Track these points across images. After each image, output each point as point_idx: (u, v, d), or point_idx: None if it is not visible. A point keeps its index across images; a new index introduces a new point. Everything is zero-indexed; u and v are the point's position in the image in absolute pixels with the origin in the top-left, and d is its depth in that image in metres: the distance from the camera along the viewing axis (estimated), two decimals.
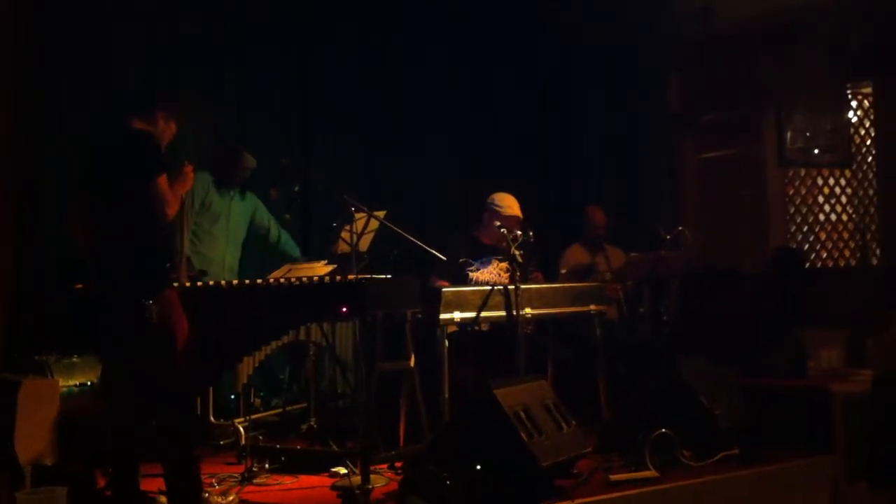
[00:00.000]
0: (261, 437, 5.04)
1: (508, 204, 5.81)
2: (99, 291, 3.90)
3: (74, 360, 4.94)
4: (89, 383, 4.88)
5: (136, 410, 3.85)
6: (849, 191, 7.53)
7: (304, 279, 4.48)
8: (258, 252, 6.13)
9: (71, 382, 4.81)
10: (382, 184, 6.89)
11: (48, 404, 4.53)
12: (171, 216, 3.95)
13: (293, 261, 5.79)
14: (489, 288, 5.11)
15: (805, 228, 7.46)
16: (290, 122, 6.79)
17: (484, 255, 5.67)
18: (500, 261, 5.64)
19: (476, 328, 5.41)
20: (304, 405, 5.55)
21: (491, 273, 5.61)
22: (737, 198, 7.44)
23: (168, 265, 3.96)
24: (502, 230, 5.34)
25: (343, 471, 4.55)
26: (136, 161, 3.88)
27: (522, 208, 5.85)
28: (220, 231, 5.81)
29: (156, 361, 3.79)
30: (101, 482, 4.08)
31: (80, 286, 4.72)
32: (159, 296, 3.78)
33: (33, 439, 4.38)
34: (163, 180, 3.84)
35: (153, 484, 4.05)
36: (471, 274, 5.57)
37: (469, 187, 6.86)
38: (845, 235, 7.52)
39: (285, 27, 6.77)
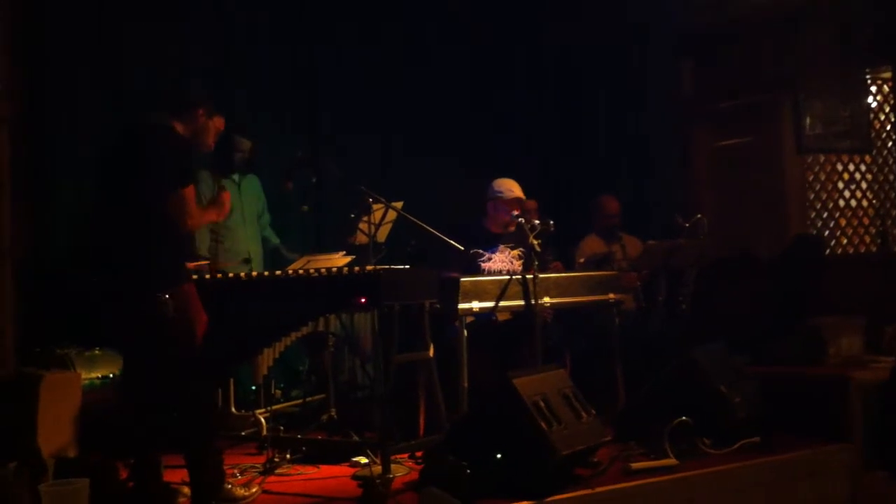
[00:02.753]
0: (281, 428, 5.07)
1: (509, 188, 5.78)
2: (115, 285, 3.87)
3: (96, 352, 4.97)
4: (111, 375, 4.91)
5: (154, 402, 3.87)
6: (869, 176, 7.48)
7: (323, 270, 4.50)
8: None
9: (93, 375, 4.85)
10: (389, 183, 6.87)
11: (70, 397, 4.57)
12: (191, 228, 3.96)
13: (274, 248, 5.88)
14: (507, 277, 5.11)
15: (825, 215, 7.41)
16: (299, 119, 6.80)
17: (492, 244, 5.66)
18: (512, 248, 5.64)
19: (493, 318, 5.40)
20: (323, 396, 5.58)
21: (503, 261, 5.60)
22: (754, 185, 7.39)
23: (184, 259, 3.97)
24: (520, 219, 5.33)
25: (363, 460, 4.58)
26: (155, 166, 3.81)
27: (536, 198, 5.81)
28: (236, 224, 5.83)
29: (173, 354, 3.80)
30: (124, 474, 4.11)
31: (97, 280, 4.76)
32: (176, 290, 3.79)
33: (55, 432, 4.42)
34: (189, 192, 3.80)
35: (176, 475, 4.09)
36: (483, 265, 5.56)
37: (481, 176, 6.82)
38: (865, 221, 7.47)
39: (292, 23, 6.78)
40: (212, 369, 4.00)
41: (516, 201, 5.74)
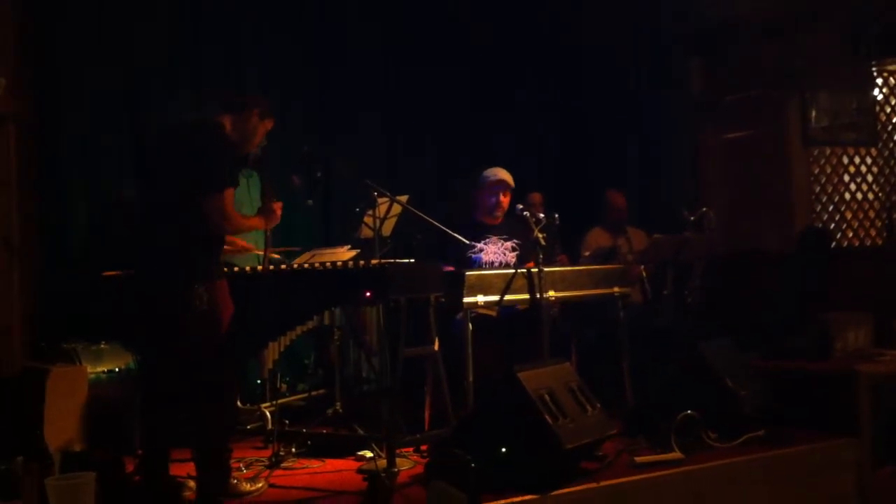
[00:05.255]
0: (287, 422, 5.07)
1: (493, 172, 5.74)
2: (148, 276, 3.84)
3: (102, 346, 4.96)
4: (117, 370, 4.91)
5: (174, 396, 3.84)
6: (875, 169, 7.47)
7: (328, 264, 4.49)
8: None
9: (99, 369, 4.84)
10: (389, 183, 6.87)
11: (76, 391, 4.57)
12: (227, 233, 3.95)
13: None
14: (512, 271, 5.11)
15: (830, 208, 7.40)
16: (301, 118, 6.79)
17: (482, 234, 5.62)
18: (506, 240, 5.63)
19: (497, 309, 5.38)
20: (329, 390, 5.58)
21: (495, 252, 5.58)
22: (761, 178, 7.38)
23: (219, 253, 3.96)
24: (525, 213, 5.32)
25: (369, 454, 4.58)
26: (200, 164, 3.77)
27: (544, 193, 5.78)
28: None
29: (200, 349, 3.77)
30: (130, 467, 4.12)
31: (108, 273, 4.76)
32: (210, 284, 3.76)
33: (62, 426, 4.43)
34: (228, 194, 3.75)
35: (182, 469, 4.09)
36: (473, 256, 5.53)
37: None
38: (871, 214, 7.46)
39: (293, 22, 6.77)
40: (230, 364, 3.97)
41: (500, 183, 5.69)
